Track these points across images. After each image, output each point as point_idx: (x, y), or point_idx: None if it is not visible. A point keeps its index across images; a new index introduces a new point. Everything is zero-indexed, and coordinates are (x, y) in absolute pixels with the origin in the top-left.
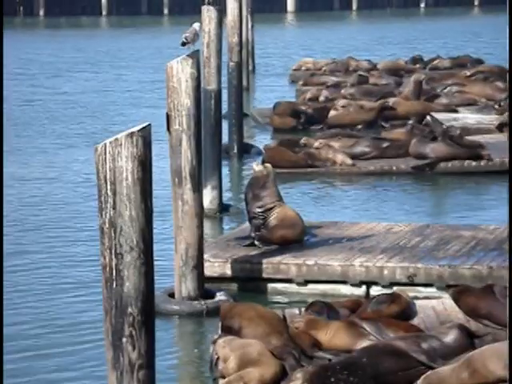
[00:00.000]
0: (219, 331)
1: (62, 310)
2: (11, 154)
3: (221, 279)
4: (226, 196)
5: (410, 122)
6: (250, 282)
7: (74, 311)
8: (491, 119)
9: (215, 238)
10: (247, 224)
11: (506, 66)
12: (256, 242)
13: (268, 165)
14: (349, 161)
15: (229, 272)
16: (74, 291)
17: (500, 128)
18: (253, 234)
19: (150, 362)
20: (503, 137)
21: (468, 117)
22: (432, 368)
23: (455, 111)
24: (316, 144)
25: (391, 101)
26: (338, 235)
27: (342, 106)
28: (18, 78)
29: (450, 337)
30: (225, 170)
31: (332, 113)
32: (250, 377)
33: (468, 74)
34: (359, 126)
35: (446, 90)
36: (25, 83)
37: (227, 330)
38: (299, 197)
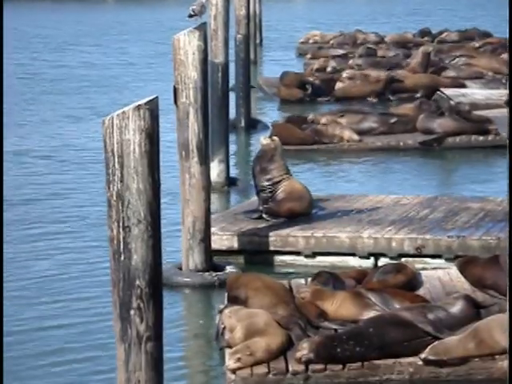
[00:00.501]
0: (226, 301)
1: (70, 285)
2: (17, 127)
3: (229, 252)
4: (234, 169)
5: (418, 95)
6: (257, 255)
7: (81, 286)
8: (500, 94)
9: (222, 212)
10: (255, 197)
11: None
12: (264, 215)
13: (275, 138)
14: (356, 137)
15: (237, 245)
16: (81, 267)
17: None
18: (261, 207)
19: (157, 333)
20: None
21: (476, 92)
22: (438, 338)
23: (463, 85)
24: (323, 120)
25: (398, 73)
26: (346, 208)
27: (349, 78)
28: (21, 52)
29: (456, 307)
30: (232, 144)
31: (339, 85)
32: (257, 346)
33: (477, 45)
34: (372, 99)
35: (453, 62)
36: (28, 56)
37: (233, 300)
38: (307, 173)
